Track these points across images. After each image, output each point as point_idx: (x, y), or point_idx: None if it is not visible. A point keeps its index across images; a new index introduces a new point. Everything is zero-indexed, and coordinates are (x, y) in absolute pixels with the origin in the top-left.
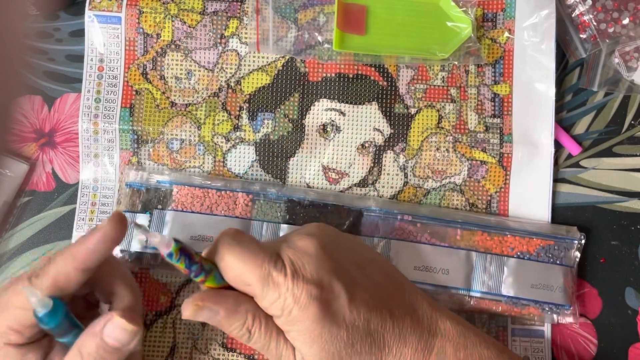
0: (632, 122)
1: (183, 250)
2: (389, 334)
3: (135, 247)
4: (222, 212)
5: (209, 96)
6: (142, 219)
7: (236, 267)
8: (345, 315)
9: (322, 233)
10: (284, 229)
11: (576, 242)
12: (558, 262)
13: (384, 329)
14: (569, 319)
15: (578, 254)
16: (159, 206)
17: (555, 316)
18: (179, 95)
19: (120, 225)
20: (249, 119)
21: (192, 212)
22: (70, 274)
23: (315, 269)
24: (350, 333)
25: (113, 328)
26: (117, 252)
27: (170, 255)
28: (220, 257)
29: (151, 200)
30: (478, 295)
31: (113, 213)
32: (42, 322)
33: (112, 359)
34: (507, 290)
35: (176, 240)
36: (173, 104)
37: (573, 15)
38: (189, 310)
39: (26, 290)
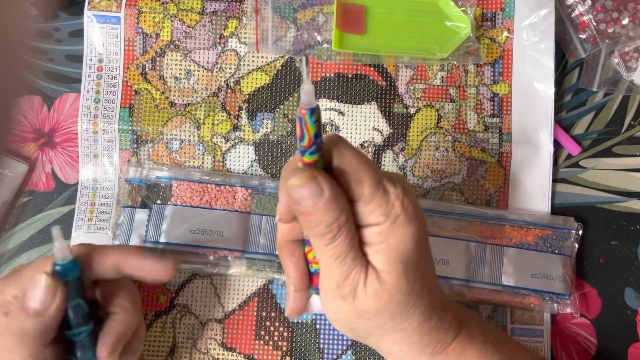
0: (632, 122)
1: (318, 119)
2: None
3: (135, 241)
4: (222, 206)
5: (208, 96)
6: (142, 213)
7: (354, 162)
8: (426, 249)
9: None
10: None
11: (573, 231)
12: (557, 251)
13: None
14: (569, 309)
15: (576, 244)
16: (159, 201)
17: (555, 305)
18: (178, 95)
19: (172, 272)
20: (248, 118)
21: (192, 206)
22: (106, 262)
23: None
24: (427, 266)
25: None
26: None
27: (312, 110)
28: (339, 151)
29: (151, 195)
30: (478, 285)
31: (175, 260)
32: (57, 272)
33: None
34: (507, 280)
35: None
36: (172, 104)
37: (572, 16)
38: (299, 177)
39: (56, 230)
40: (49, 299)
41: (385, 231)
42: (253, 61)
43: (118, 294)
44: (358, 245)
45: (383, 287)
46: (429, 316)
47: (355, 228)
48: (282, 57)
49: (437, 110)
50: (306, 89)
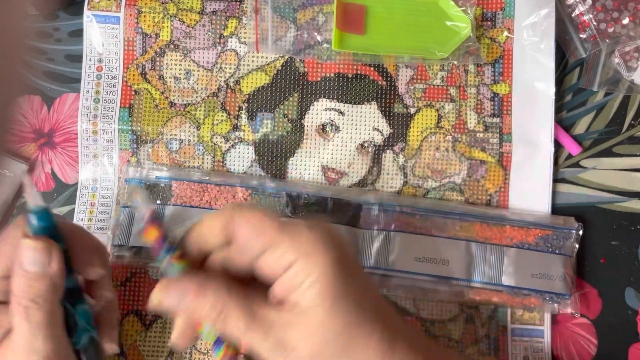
0: (632, 122)
1: (159, 223)
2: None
3: (134, 242)
4: (222, 206)
5: (208, 96)
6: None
7: (253, 219)
8: (358, 275)
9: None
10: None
11: (574, 231)
12: (557, 251)
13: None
14: (570, 309)
15: (577, 244)
16: (158, 201)
17: (556, 305)
18: (178, 95)
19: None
20: (248, 118)
21: (192, 206)
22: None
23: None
24: (364, 293)
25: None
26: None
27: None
28: (238, 213)
29: (150, 195)
30: (479, 285)
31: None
32: (33, 218)
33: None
34: (507, 280)
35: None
36: (172, 104)
37: (573, 15)
38: (155, 296)
39: (27, 177)
40: (45, 257)
41: (302, 268)
42: (253, 61)
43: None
44: (262, 308)
45: (314, 324)
46: (393, 341)
47: (248, 296)
48: (282, 57)
49: (437, 110)
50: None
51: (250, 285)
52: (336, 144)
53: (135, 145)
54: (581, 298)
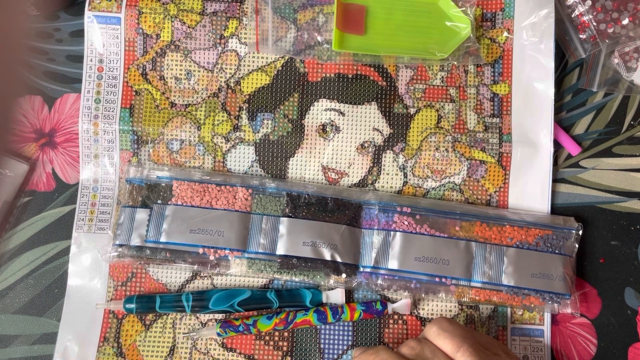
0: (632, 122)
1: None
2: None
3: (135, 241)
4: (222, 206)
5: (209, 96)
6: (143, 213)
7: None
8: None
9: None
10: (283, 222)
11: (574, 231)
12: (557, 251)
13: None
14: (569, 309)
15: (576, 244)
16: (159, 201)
17: (555, 305)
18: (179, 96)
19: None
20: (248, 119)
21: (192, 206)
22: None
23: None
24: None
25: None
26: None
27: None
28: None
29: (151, 195)
30: (479, 285)
31: None
32: None
33: None
34: (507, 280)
35: None
36: (173, 105)
37: (573, 16)
38: None
39: None
40: None
41: None
42: (253, 61)
43: None
44: None
45: None
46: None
47: None
48: (282, 57)
49: (437, 110)
50: None
51: None
52: (336, 144)
53: (136, 146)
54: (581, 298)
